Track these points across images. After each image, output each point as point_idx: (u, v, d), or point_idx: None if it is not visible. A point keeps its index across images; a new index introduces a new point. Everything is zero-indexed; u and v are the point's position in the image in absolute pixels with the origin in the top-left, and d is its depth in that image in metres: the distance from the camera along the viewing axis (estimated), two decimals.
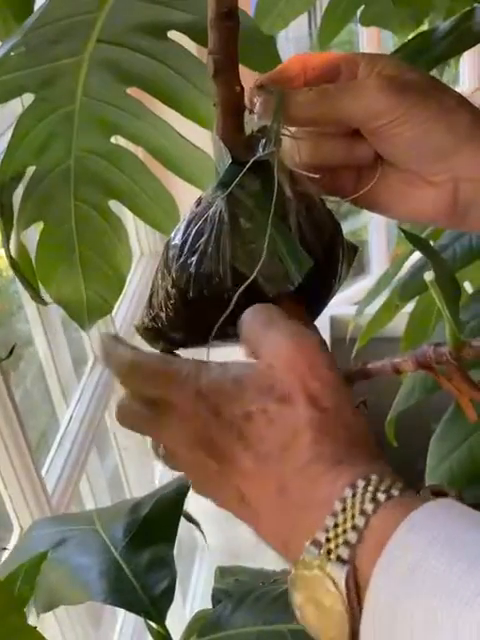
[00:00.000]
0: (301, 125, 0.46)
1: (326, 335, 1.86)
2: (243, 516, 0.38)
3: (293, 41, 1.73)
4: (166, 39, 0.56)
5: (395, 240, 2.15)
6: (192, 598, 1.72)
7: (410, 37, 0.74)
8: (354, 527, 0.33)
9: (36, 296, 0.62)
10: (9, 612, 0.40)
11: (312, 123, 0.46)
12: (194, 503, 0.70)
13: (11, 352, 0.64)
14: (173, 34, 0.57)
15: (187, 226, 0.44)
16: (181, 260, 0.43)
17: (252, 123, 0.45)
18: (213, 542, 1.79)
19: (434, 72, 0.50)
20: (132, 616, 1.43)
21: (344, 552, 0.32)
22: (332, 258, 0.45)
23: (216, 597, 0.64)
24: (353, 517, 0.33)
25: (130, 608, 0.58)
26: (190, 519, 0.69)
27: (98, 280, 0.65)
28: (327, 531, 0.33)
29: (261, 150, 0.44)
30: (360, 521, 0.33)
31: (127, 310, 1.42)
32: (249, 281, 0.42)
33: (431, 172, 0.46)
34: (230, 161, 0.43)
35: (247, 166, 0.43)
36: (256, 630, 0.58)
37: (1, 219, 0.58)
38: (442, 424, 0.76)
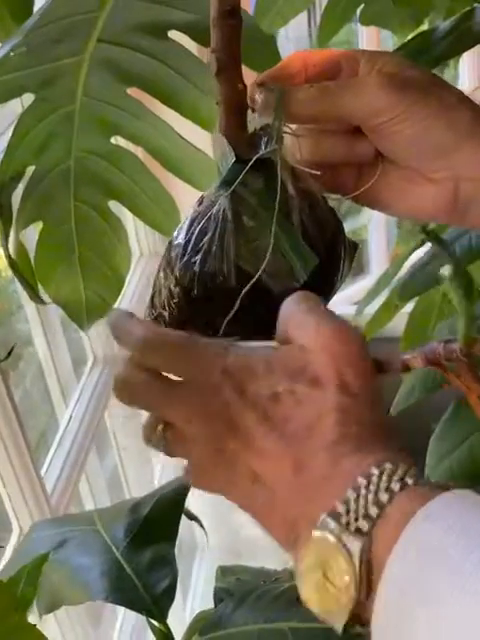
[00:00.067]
0: (302, 122, 0.46)
1: None
2: (253, 497, 0.37)
3: (293, 40, 1.73)
4: (167, 39, 0.56)
5: (395, 239, 2.16)
6: (192, 597, 1.72)
7: (410, 37, 0.74)
8: (376, 502, 0.32)
9: (35, 296, 0.62)
10: (10, 612, 0.41)
11: (313, 120, 0.46)
12: (194, 503, 0.70)
13: (10, 353, 0.64)
14: (173, 34, 0.57)
15: (190, 225, 0.44)
16: (185, 259, 0.43)
17: (254, 121, 0.45)
18: (214, 542, 1.80)
19: (434, 72, 0.50)
20: (132, 615, 1.43)
21: (363, 525, 0.32)
22: (334, 255, 0.45)
23: (218, 596, 0.64)
24: (376, 493, 0.33)
25: (132, 607, 0.59)
26: (191, 517, 0.69)
27: (97, 280, 0.65)
28: (347, 503, 0.33)
29: (264, 148, 0.44)
30: (383, 497, 0.32)
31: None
32: (255, 279, 0.42)
33: (431, 169, 0.46)
34: (233, 159, 0.44)
35: (250, 164, 0.43)
36: (257, 628, 0.58)
37: (0, 219, 0.58)
38: (442, 424, 0.76)
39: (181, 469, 0.41)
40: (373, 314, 0.97)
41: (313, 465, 0.35)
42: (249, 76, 0.47)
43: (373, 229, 2.09)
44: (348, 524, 0.33)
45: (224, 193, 0.43)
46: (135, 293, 1.45)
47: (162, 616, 0.57)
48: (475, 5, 0.66)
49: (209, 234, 0.43)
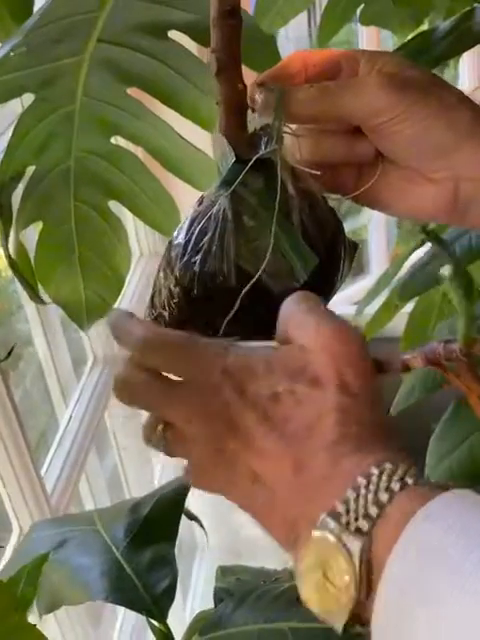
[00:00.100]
0: (302, 122, 0.46)
1: None
2: (253, 497, 0.37)
3: (293, 40, 1.73)
4: (167, 39, 0.56)
5: (395, 240, 2.16)
6: (192, 597, 1.72)
7: (410, 37, 0.74)
8: (376, 502, 0.32)
9: (34, 296, 0.62)
10: (10, 612, 0.41)
11: (313, 120, 0.46)
12: (194, 503, 0.70)
13: (10, 353, 0.64)
14: (174, 34, 0.57)
15: (190, 225, 0.44)
16: (185, 259, 0.44)
17: (254, 121, 0.45)
18: (214, 542, 1.79)
19: (434, 72, 0.50)
20: (132, 615, 1.43)
21: (363, 525, 0.32)
22: (334, 255, 0.45)
23: (218, 596, 0.64)
24: (376, 492, 0.33)
25: (132, 607, 0.59)
26: (191, 517, 0.69)
27: (97, 280, 0.65)
28: (347, 503, 0.33)
29: (263, 148, 0.44)
30: (383, 497, 0.32)
31: None
32: (255, 279, 0.42)
33: (431, 169, 0.46)
34: (233, 159, 0.44)
35: (250, 164, 0.43)
36: (257, 628, 0.58)
37: (0, 219, 0.58)
38: (442, 424, 0.76)
39: (181, 469, 0.41)
40: (373, 314, 0.97)
41: (313, 465, 0.35)
42: (249, 76, 0.47)
43: (373, 229, 2.09)
44: (348, 524, 0.33)
45: (224, 193, 0.43)
46: (135, 293, 1.45)
47: (162, 616, 0.57)
48: (475, 5, 0.66)
49: (209, 234, 0.43)
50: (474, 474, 0.73)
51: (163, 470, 1.65)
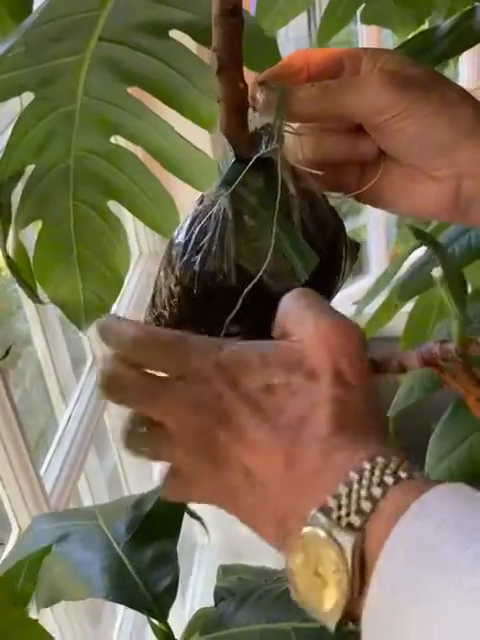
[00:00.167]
0: (303, 121, 0.46)
1: None
2: (243, 494, 0.36)
3: (293, 40, 1.73)
4: (168, 38, 0.56)
5: (394, 239, 2.16)
6: (192, 596, 1.72)
7: (411, 36, 0.74)
8: (369, 497, 0.32)
9: (33, 295, 0.62)
10: (10, 606, 0.40)
11: (314, 119, 0.46)
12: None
13: (7, 352, 0.64)
14: (174, 33, 0.57)
15: (191, 224, 0.44)
16: (185, 258, 0.43)
17: (255, 120, 0.45)
18: (214, 540, 1.79)
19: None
20: (131, 614, 1.43)
21: (355, 520, 0.32)
22: (335, 255, 0.45)
23: (218, 595, 0.64)
24: (369, 487, 0.32)
25: (132, 605, 0.58)
26: (193, 515, 0.69)
27: (96, 280, 0.64)
28: (339, 498, 0.32)
29: (264, 147, 0.44)
30: (376, 491, 0.32)
31: (126, 310, 1.42)
32: (256, 279, 0.42)
33: (433, 167, 0.46)
34: (233, 159, 0.43)
35: (250, 163, 0.43)
36: (259, 628, 0.58)
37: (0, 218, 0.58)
38: (441, 423, 0.76)
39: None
40: (373, 314, 0.97)
41: (305, 458, 0.34)
42: (250, 76, 0.46)
43: (373, 229, 2.09)
44: (339, 519, 0.32)
45: (224, 192, 0.43)
46: (135, 293, 1.45)
47: (163, 615, 0.57)
48: (476, 4, 0.66)
49: (209, 233, 0.43)
50: (473, 474, 0.72)
51: (163, 469, 1.64)
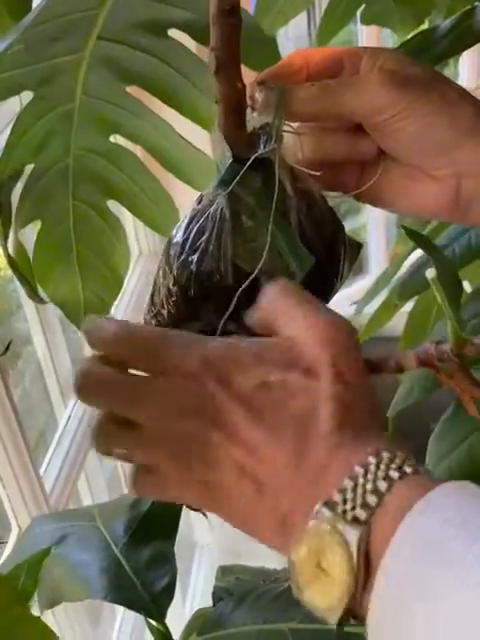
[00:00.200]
0: (303, 120, 0.46)
1: None
2: (237, 494, 0.35)
3: (293, 40, 1.73)
4: (166, 37, 0.56)
5: (394, 239, 2.16)
6: (192, 596, 1.72)
7: (410, 36, 0.74)
8: (375, 491, 0.32)
9: (33, 294, 0.62)
10: (13, 604, 0.40)
11: (314, 119, 0.46)
12: None
13: (7, 348, 0.64)
14: (173, 32, 0.56)
15: (189, 224, 0.44)
16: (182, 258, 0.43)
17: (253, 120, 0.45)
18: (213, 541, 1.79)
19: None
20: (131, 614, 1.43)
21: (361, 514, 0.32)
22: (333, 256, 0.45)
23: (217, 595, 0.64)
24: (375, 481, 0.32)
25: (130, 606, 0.58)
26: (195, 508, 0.69)
27: (95, 280, 0.64)
28: (344, 492, 0.32)
29: (262, 147, 0.44)
30: (382, 485, 0.32)
31: (126, 309, 1.42)
32: (251, 279, 0.42)
33: (433, 166, 0.46)
34: (231, 159, 0.43)
35: (248, 163, 0.43)
36: (256, 629, 0.58)
37: None
38: (441, 424, 0.76)
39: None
40: (372, 313, 0.97)
41: (309, 457, 0.34)
42: (249, 76, 0.46)
43: (372, 229, 2.09)
44: (345, 513, 0.32)
45: (222, 192, 0.43)
46: (134, 292, 1.45)
47: (160, 615, 0.57)
48: (476, 4, 0.66)
49: (207, 233, 0.43)
50: (473, 474, 0.72)
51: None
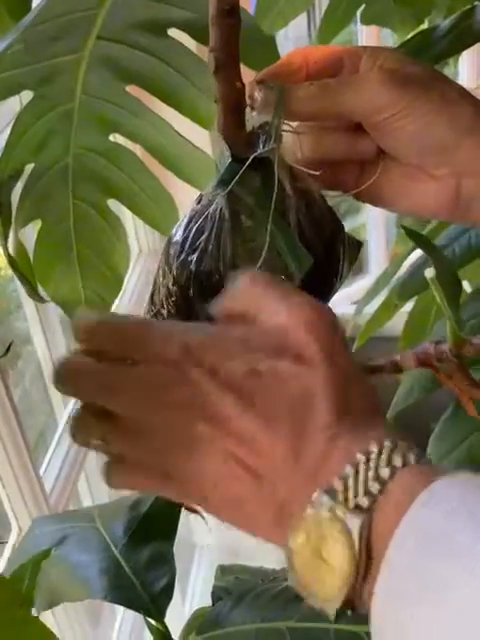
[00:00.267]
0: (302, 120, 0.46)
1: None
2: (226, 484, 0.34)
3: (292, 40, 1.73)
4: (166, 37, 0.56)
5: (394, 239, 2.16)
6: (191, 596, 1.72)
7: (410, 36, 0.74)
8: (377, 478, 0.31)
9: (33, 293, 0.62)
10: (13, 606, 0.40)
11: (313, 118, 0.46)
12: None
13: (8, 350, 0.64)
14: (173, 32, 0.57)
15: (188, 224, 0.44)
16: (182, 258, 0.43)
17: (253, 120, 0.45)
18: (213, 541, 1.79)
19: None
20: (131, 614, 1.43)
21: (364, 501, 0.31)
22: (333, 256, 0.45)
23: (216, 595, 0.64)
24: (377, 468, 0.31)
25: (130, 605, 0.59)
26: (193, 510, 0.69)
27: (96, 279, 0.65)
28: (345, 479, 0.31)
29: (262, 147, 0.44)
30: (385, 472, 0.31)
31: (126, 309, 1.42)
32: None
33: (433, 166, 0.46)
34: (230, 158, 0.43)
35: (247, 163, 0.43)
36: (255, 627, 0.58)
37: (0, 217, 0.58)
38: (441, 424, 0.76)
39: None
40: (372, 313, 0.97)
41: (308, 445, 0.33)
42: (248, 75, 0.46)
43: (372, 228, 2.09)
44: (346, 500, 0.31)
45: (221, 192, 0.43)
46: (135, 291, 1.45)
47: (160, 615, 0.57)
48: (475, 3, 0.66)
49: (206, 233, 0.43)
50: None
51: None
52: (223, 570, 0.69)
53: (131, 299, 1.42)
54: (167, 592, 0.57)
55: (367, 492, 0.31)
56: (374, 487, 0.31)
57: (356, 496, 0.31)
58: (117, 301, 0.66)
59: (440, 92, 0.44)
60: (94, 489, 1.37)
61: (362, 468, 0.31)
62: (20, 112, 0.58)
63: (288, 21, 0.83)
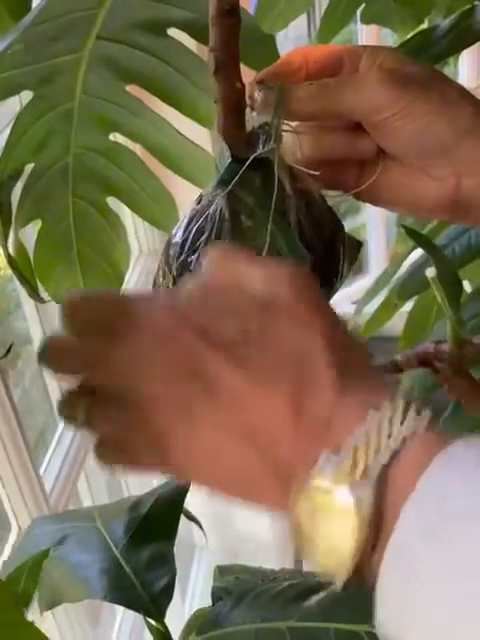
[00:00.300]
0: (302, 119, 0.46)
1: None
2: (225, 454, 0.32)
3: (292, 40, 1.73)
4: (166, 36, 0.56)
5: (394, 239, 2.16)
6: (191, 597, 1.72)
7: (410, 35, 0.74)
8: (390, 437, 0.29)
9: (34, 293, 0.62)
10: (8, 608, 0.40)
11: (313, 117, 0.46)
12: (193, 503, 0.70)
13: (8, 351, 0.64)
14: (173, 32, 0.57)
15: (188, 224, 0.44)
16: (182, 258, 0.43)
17: (253, 120, 0.45)
18: (212, 541, 1.79)
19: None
20: (131, 614, 1.43)
21: (375, 465, 0.29)
22: (333, 255, 0.45)
23: (216, 595, 0.64)
24: (389, 435, 0.29)
25: (130, 605, 0.59)
26: (191, 517, 0.69)
27: (96, 278, 0.64)
28: (356, 439, 0.30)
29: (261, 147, 0.44)
30: (399, 432, 0.29)
31: None
32: None
33: (433, 165, 0.46)
34: (230, 158, 0.43)
35: (247, 163, 0.43)
36: (254, 628, 0.58)
37: (0, 217, 0.58)
38: (441, 423, 0.76)
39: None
40: (372, 313, 0.97)
41: (309, 402, 0.31)
42: (248, 75, 0.46)
43: (372, 228, 2.09)
44: (357, 462, 0.29)
45: (221, 192, 0.43)
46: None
47: (160, 615, 0.57)
48: (475, 3, 0.66)
49: (206, 233, 0.43)
50: None
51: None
52: (222, 570, 0.69)
53: None
54: (167, 592, 0.57)
55: (381, 451, 0.29)
56: (390, 445, 0.29)
57: (368, 456, 0.29)
58: None
59: (440, 92, 0.44)
60: (94, 489, 1.37)
61: (374, 426, 0.30)
62: (20, 112, 0.58)
63: (288, 22, 0.83)
